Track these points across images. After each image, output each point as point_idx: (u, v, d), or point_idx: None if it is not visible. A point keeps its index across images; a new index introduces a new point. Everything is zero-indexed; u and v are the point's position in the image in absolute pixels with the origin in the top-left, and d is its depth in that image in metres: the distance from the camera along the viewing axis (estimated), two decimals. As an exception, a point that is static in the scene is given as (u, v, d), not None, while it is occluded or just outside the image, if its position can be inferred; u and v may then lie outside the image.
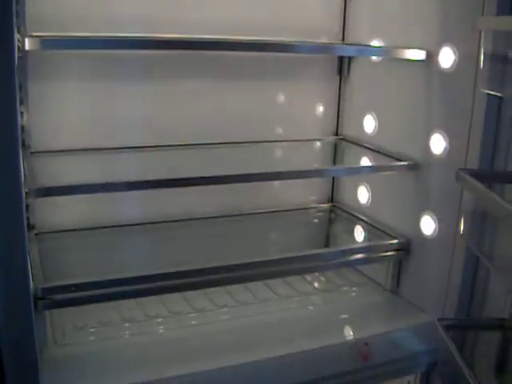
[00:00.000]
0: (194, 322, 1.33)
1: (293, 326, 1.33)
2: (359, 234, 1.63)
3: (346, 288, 1.54)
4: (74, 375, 1.10)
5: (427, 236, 1.37)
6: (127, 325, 1.30)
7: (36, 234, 1.40)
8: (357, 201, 1.68)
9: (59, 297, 1.11)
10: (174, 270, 1.18)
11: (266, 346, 1.22)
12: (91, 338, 1.24)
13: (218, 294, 1.42)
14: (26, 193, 0.97)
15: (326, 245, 1.78)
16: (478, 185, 0.97)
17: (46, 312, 1.19)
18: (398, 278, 1.47)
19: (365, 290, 1.53)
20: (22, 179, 0.92)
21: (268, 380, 1.17)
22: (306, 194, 1.79)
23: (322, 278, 1.58)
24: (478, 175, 1.01)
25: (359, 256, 1.41)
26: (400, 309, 1.43)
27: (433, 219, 1.35)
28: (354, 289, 1.54)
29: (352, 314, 1.42)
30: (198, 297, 1.40)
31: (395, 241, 1.43)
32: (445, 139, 1.30)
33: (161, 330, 1.30)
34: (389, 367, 1.29)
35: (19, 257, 0.93)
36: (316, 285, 1.55)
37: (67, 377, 1.09)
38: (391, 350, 1.29)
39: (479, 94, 1.17)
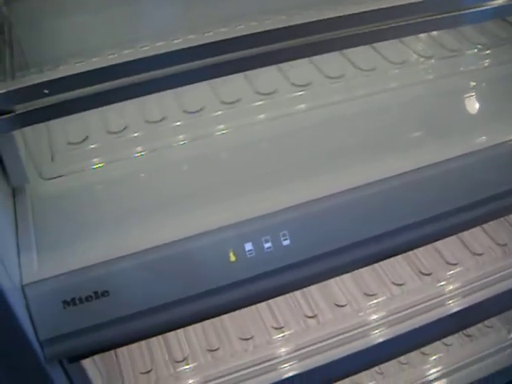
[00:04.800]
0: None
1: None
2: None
3: (487, 51, 1.04)
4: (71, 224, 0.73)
5: None
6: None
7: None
8: None
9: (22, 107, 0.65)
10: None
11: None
12: (94, 159, 0.83)
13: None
14: None
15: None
16: None
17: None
18: None
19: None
20: None
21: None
22: None
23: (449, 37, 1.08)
24: None
25: None
26: None
27: None
28: (502, 49, 1.03)
29: (507, 95, 0.95)
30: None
31: None
32: None
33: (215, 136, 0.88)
34: None
35: None
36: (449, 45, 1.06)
37: (62, 226, 0.73)
38: None
39: None
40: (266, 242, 0.72)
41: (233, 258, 0.70)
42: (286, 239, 0.72)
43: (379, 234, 0.76)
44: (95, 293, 0.67)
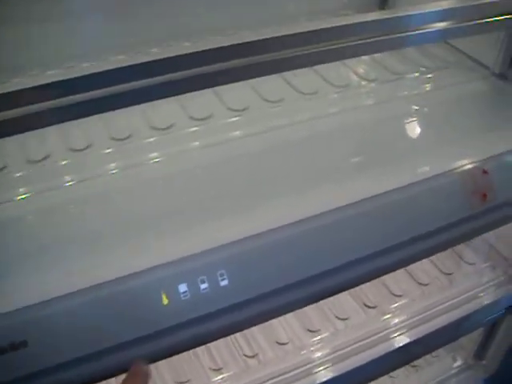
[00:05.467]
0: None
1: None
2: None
3: (430, 75, 1.02)
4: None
5: None
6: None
7: None
8: None
9: None
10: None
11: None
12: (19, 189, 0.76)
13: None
14: None
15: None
16: None
17: None
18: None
19: (460, 73, 1.02)
20: None
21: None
22: None
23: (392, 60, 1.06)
24: None
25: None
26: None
27: None
28: (444, 73, 1.02)
29: (449, 120, 0.92)
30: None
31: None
32: None
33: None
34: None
35: None
36: (391, 67, 1.03)
37: None
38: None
39: None
40: (202, 282, 0.66)
41: (166, 301, 0.65)
42: (223, 279, 0.67)
43: (323, 271, 0.72)
44: (11, 344, 0.60)
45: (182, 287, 0.65)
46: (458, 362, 1.27)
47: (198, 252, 0.67)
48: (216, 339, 0.74)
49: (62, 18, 0.95)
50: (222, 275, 0.67)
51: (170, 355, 0.71)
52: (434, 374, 1.25)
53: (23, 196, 0.75)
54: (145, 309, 0.65)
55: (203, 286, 0.66)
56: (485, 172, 0.81)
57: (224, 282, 0.67)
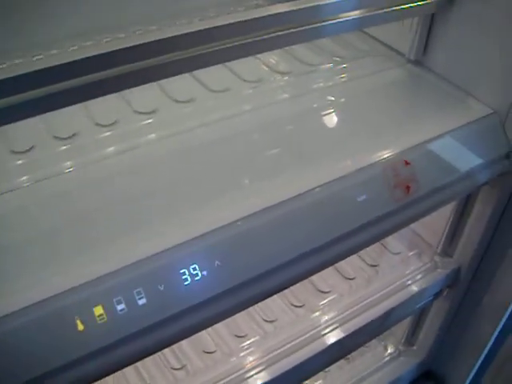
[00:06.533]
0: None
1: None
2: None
3: (345, 65, 0.99)
4: None
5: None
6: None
7: None
8: None
9: None
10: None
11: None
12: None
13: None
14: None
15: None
16: None
17: None
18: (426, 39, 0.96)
19: (376, 62, 1.01)
20: None
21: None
22: None
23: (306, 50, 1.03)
24: None
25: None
26: (438, 93, 0.94)
27: None
28: (360, 62, 1.00)
29: (367, 111, 0.90)
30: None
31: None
32: None
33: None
34: (439, 196, 0.85)
35: None
36: (305, 59, 1.01)
37: None
38: (444, 167, 0.84)
39: None
40: (119, 303, 0.62)
41: (81, 327, 0.60)
42: (141, 297, 0.63)
43: (251, 278, 0.69)
44: None
45: (98, 310, 0.61)
46: (390, 350, 1.27)
47: (111, 271, 0.63)
48: (140, 360, 0.70)
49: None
50: (139, 293, 0.63)
51: (93, 381, 0.67)
52: (366, 364, 1.24)
53: None
54: (59, 338, 0.60)
55: (120, 307, 0.62)
56: (407, 163, 0.79)
57: (142, 301, 0.63)
